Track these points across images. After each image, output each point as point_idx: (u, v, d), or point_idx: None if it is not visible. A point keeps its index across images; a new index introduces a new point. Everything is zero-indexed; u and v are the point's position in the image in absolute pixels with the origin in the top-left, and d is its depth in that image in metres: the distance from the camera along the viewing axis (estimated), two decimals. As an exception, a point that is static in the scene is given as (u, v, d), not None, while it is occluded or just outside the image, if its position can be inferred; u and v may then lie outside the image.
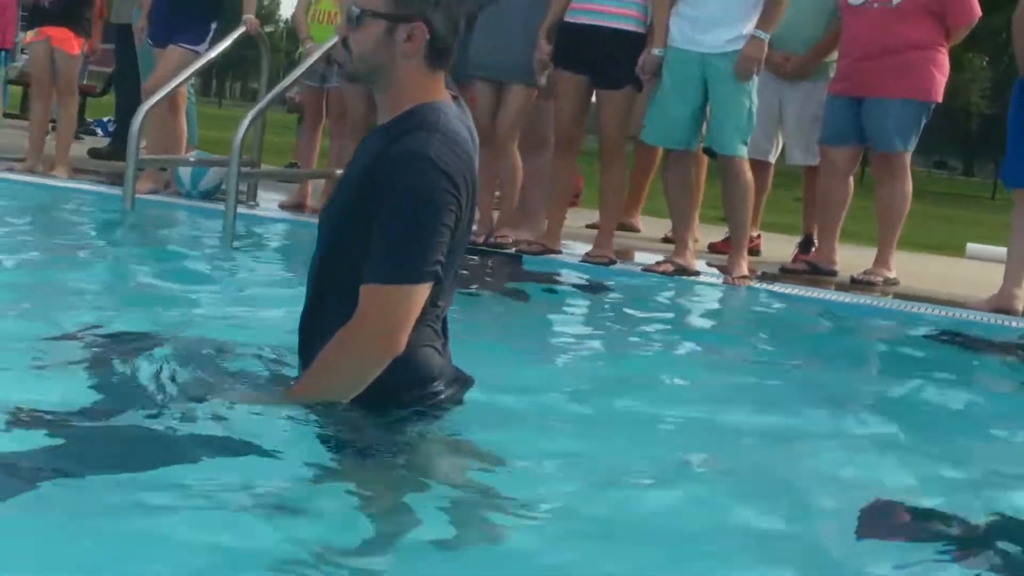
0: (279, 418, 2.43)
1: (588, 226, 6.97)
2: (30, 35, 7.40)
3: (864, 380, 3.81)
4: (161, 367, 2.70)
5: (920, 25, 5.63)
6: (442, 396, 2.59)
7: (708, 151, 5.61)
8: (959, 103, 32.92)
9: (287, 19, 68.24)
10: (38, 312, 3.53)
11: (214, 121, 18.57)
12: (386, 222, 2.41)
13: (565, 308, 4.84)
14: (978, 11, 5.72)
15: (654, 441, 2.75)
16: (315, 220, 5.68)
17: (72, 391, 2.54)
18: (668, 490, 2.38)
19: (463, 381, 2.69)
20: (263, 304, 3.99)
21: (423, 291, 2.44)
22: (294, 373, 2.68)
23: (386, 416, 2.50)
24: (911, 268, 6.23)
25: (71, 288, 4.03)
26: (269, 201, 7.07)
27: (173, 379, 2.63)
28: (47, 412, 2.38)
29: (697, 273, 5.51)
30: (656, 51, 5.43)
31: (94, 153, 9.06)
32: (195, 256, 5.15)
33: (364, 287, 2.43)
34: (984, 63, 30.33)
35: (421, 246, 2.41)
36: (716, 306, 5.01)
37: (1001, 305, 5.14)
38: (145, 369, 2.69)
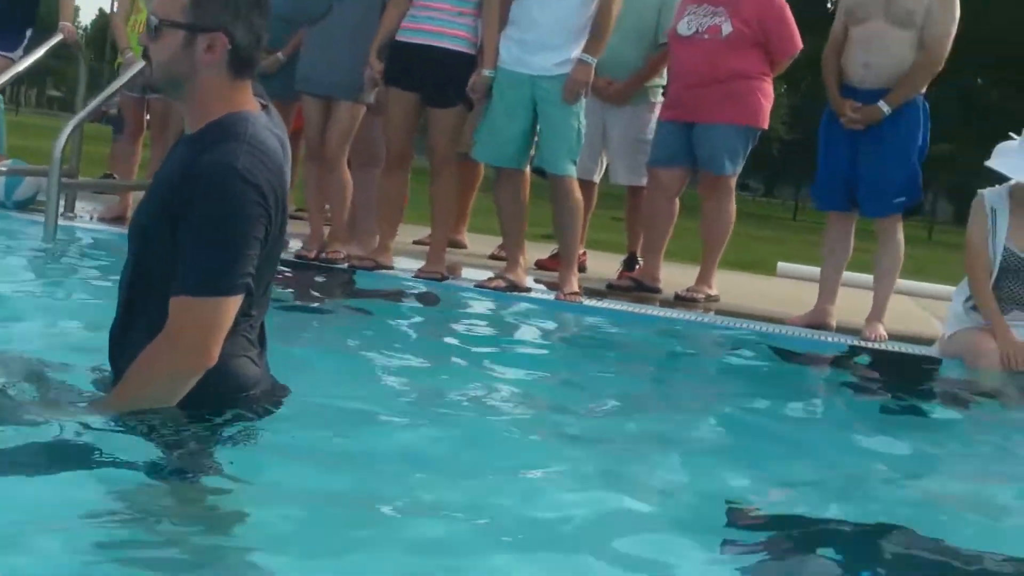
0: (93, 428, 2.39)
1: (416, 242, 7.01)
2: None
3: (694, 394, 3.94)
4: None
5: (747, 56, 5.89)
6: (258, 404, 2.61)
7: (537, 170, 5.72)
8: (760, 128, 34.19)
9: (87, 27, 66.34)
10: None
11: (14, 129, 17.79)
12: (194, 234, 2.40)
13: (397, 323, 4.85)
14: (799, 44, 6.02)
15: (463, 457, 2.77)
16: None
17: None
18: (445, 507, 2.35)
19: (280, 391, 2.72)
20: (82, 317, 3.91)
21: (234, 303, 2.44)
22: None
23: (202, 422, 2.49)
24: (728, 286, 6.49)
25: None
26: (86, 212, 6.88)
27: None
28: None
29: (528, 289, 5.61)
30: (486, 72, 5.53)
31: None
32: (14, 268, 4.96)
33: (173, 299, 2.41)
34: (783, 90, 31.68)
35: (230, 258, 2.41)
36: (548, 322, 5.10)
37: (816, 321, 5.41)
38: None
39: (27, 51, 6.71)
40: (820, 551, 2.34)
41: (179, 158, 2.51)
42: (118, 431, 2.39)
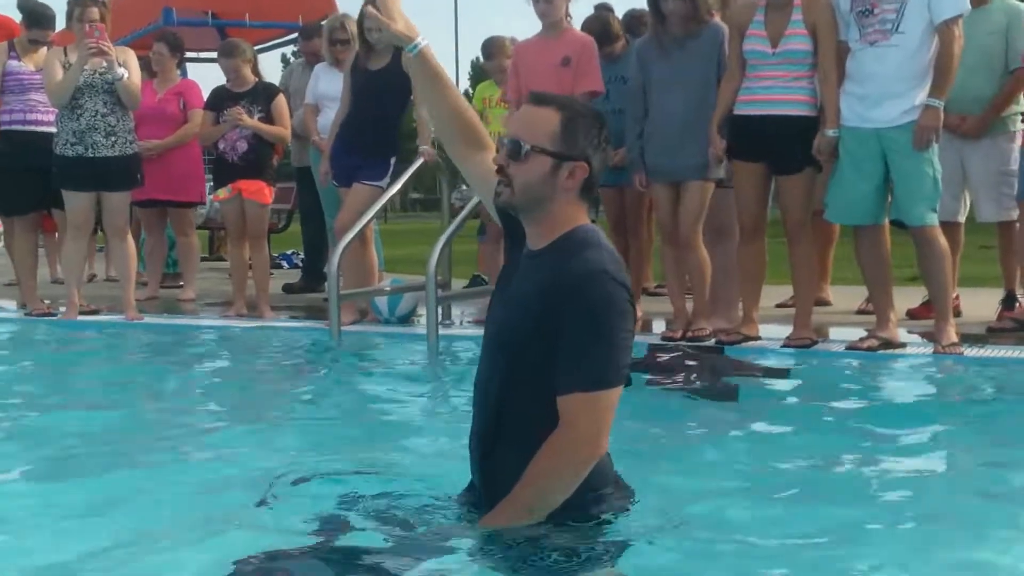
0: (493, 540, 2.59)
1: (778, 305, 6.97)
2: (223, 192, 7.80)
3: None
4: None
5: None
6: (615, 499, 2.74)
7: (897, 223, 5.57)
8: None
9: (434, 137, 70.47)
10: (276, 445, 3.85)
11: (385, 238, 19.05)
12: (577, 335, 2.56)
13: (774, 397, 4.84)
14: None
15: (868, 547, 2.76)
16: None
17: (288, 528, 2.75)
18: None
19: (626, 485, 2.82)
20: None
21: (618, 393, 2.60)
22: None
23: (583, 521, 2.65)
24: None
25: (305, 423, 4.31)
26: (458, 317, 7.35)
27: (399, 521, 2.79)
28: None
29: (903, 345, 5.46)
30: (830, 132, 5.48)
31: (288, 288, 9.44)
32: (408, 385, 5.30)
33: (564, 397, 2.56)
34: None
35: (614, 352, 2.57)
36: (932, 379, 4.94)
37: None
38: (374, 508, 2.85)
39: (392, 177, 7.21)
40: None
41: (540, 270, 2.65)
42: (511, 542, 2.57)
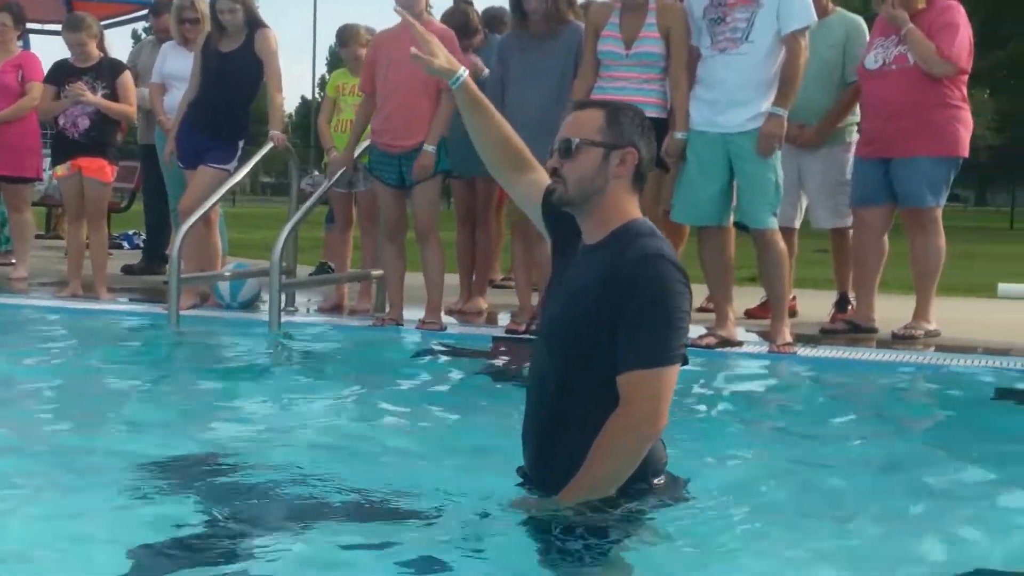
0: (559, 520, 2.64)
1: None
2: (61, 169, 7.53)
3: (936, 445, 3.83)
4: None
5: (938, 84, 5.77)
6: (667, 480, 2.85)
7: (739, 225, 5.71)
8: (966, 136, 32.94)
9: (291, 114, 69.29)
10: (122, 437, 3.75)
11: (232, 221, 18.67)
12: (638, 316, 2.66)
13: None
14: (959, 62, 5.77)
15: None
16: (355, 323, 5.81)
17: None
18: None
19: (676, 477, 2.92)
20: (336, 417, 4.15)
21: (676, 372, 2.70)
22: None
23: (641, 505, 2.74)
24: (947, 315, 6.25)
25: (140, 413, 4.18)
26: (303, 305, 7.25)
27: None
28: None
29: (740, 343, 5.60)
30: (679, 135, 5.58)
31: (127, 269, 9.20)
32: (248, 373, 5.21)
33: (625, 375, 2.66)
34: (986, 96, 30.61)
35: (672, 331, 2.67)
36: (766, 376, 5.08)
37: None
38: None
39: (241, 160, 7.08)
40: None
41: (598, 262, 2.75)
42: (579, 521, 2.63)
